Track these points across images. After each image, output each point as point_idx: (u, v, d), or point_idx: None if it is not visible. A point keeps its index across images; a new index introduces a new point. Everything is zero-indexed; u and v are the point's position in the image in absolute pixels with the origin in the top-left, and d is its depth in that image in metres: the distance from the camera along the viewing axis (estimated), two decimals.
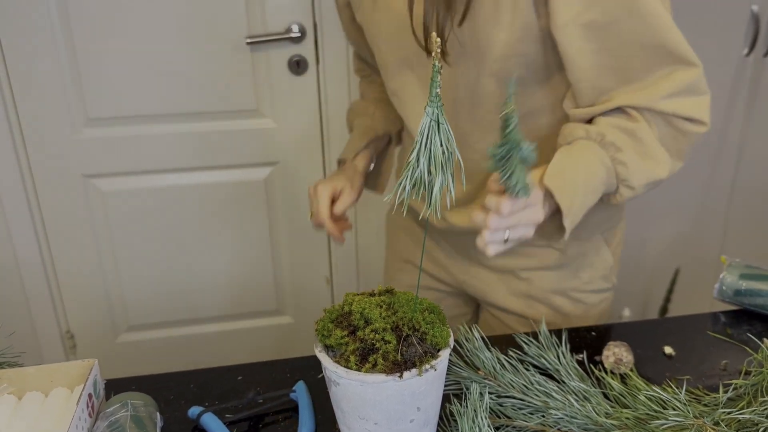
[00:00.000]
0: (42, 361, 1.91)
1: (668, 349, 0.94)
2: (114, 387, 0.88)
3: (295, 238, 1.95)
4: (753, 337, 0.97)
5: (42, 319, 1.91)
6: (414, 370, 0.68)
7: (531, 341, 0.92)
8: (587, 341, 0.97)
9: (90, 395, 0.80)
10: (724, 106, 2.05)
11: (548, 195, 0.83)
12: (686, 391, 0.82)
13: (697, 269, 2.22)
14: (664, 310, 2.17)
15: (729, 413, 0.76)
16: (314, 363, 0.93)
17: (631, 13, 0.82)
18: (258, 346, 2.07)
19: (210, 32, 1.68)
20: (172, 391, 0.89)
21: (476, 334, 0.89)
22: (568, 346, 0.91)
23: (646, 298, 2.28)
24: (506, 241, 0.79)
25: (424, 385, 0.70)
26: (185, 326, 2.01)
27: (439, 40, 0.53)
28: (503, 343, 0.93)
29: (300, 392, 0.86)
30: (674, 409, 0.77)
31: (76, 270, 1.88)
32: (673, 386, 0.81)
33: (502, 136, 0.66)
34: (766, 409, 0.77)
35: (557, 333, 0.95)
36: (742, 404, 0.78)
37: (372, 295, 0.77)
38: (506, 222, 0.78)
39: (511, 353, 0.89)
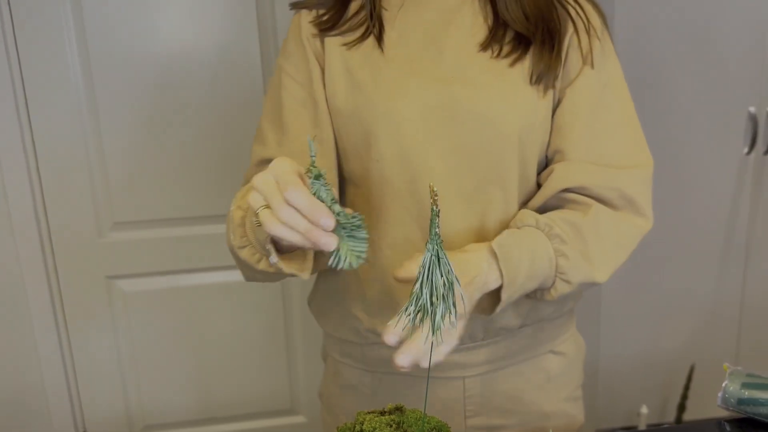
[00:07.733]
0: None
1: None
2: None
3: (309, 334, 1.98)
4: None
5: (59, 418, 1.93)
6: None
7: None
8: None
9: None
10: (729, 205, 2.10)
11: (492, 262, 0.84)
12: None
13: (714, 366, 2.19)
14: (681, 407, 2.14)
15: None
16: None
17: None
18: None
19: (231, 141, 1.79)
20: None
21: None
22: None
23: (664, 395, 2.25)
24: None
25: None
26: (200, 426, 2.01)
27: (436, 189, 0.60)
28: None
29: None
30: None
31: (95, 368, 1.92)
32: None
33: None
34: None
35: None
36: None
37: (383, 413, 0.80)
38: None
39: None
